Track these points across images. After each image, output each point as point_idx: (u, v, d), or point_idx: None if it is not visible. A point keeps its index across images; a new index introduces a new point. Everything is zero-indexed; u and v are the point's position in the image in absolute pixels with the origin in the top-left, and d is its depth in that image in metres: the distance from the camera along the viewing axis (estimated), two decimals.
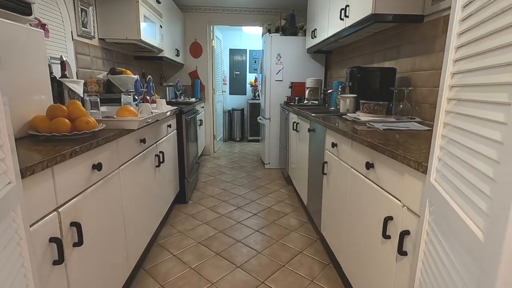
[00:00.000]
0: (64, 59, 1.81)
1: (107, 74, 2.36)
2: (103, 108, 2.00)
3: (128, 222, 1.59)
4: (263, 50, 4.24)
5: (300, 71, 3.99)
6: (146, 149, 1.86)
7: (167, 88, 3.66)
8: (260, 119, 4.46)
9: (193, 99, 4.04)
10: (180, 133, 2.79)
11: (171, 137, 2.58)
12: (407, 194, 1.01)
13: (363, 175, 1.38)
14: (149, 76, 2.24)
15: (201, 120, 4.25)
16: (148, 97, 2.27)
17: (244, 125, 6.45)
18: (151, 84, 2.24)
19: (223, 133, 6.15)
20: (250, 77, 6.50)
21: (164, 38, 3.45)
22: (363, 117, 1.89)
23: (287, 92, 4.00)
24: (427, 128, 1.58)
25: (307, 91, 3.55)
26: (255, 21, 4.67)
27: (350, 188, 1.54)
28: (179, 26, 4.32)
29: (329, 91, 2.91)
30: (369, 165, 1.28)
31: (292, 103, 3.73)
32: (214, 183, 3.60)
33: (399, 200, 1.06)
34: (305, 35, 3.93)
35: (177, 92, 3.85)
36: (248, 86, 6.53)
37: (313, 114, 2.39)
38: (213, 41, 4.87)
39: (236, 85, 6.54)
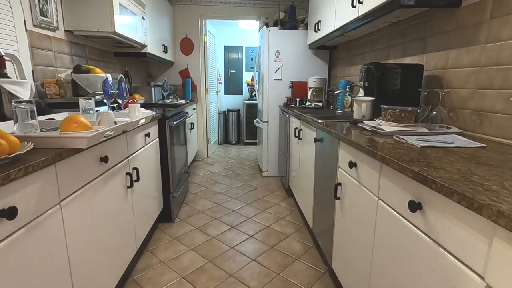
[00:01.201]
0: (3, 54, 1.41)
1: (71, 73, 1.95)
2: (59, 117, 1.60)
3: (79, 269, 1.18)
4: (260, 47, 3.84)
5: (301, 69, 3.59)
6: (110, 168, 1.46)
7: (153, 88, 3.25)
8: (257, 122, 4.06)
9: (183, 101, 3.64)
10: (163, 142, 2.39)
11: (151, 148, 2.18)
12: (498, 269, 0.62)
13: (402, 216, 0.99)
14: (121, 75, 1.84)
15: (192, 124, 3.85)
16: (120, 101, 1.86)
17: (241, 127, 6.05)
18: (123, 85, 1.83)
19: (218, 136, 5.75)
20: (247, 76, 6.09)
21: (148, 32, 3.04)
22: (387, 126, 1.49)
23: (287, 93, 3.60)
24: (479, 144, 1.19)
25: (309, 92, 3.16)
26: (251, 14, 4.26)
27: (379, 227, 1.14)
28: (167, 19, 3.90)
29: (336, 92, 2.52)
30: (414, 205, 0.88)
31: (293, 105, 3.33)
32: (206, 195, 3.20)
33: (480, 276, 0.66)
34: (306, 29, 3.53)
35: (164, 93, 3.44)
36: (244, 85, 6.12)
37: (320, 121, 2.00)
38: (205, 37, 4.46)
39: (232, 85, 6.13)
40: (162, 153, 2.40)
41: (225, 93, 6.16)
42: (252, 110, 5.73)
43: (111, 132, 1.31)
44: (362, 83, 1.94)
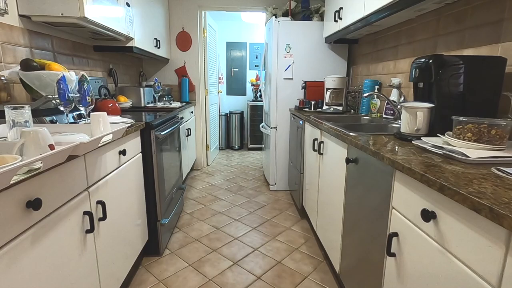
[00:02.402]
0: None
1: (19, 69, 1.45)
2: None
3: None
4: (266, 42, 3.33)
5: (316, 66, 3.08)
6: (49, 215, 0.96)
7: (141, 90, 2.76)
8: (263, 127, 3.56)
9: (177, 104, 3.14)
10: (148, 158, 1.89)
11: (130, 167, 1.68)
12: None
13: None
14: (82, 73, 1.34)
15: (189, 130, 3.35)
16: (82, 108, 1.37)
17: (244, 131, 5.54)
18: (85, 87, 1.33)
19: (219, 140, 5.25)
20: (251, 75, 5.59)
21: (135, 23, 2.55)
22: (470, 150, 0.98)
23: (299, 94, 3.09)
24: None
25: (327, 93, 2.65)
26: (256, 5, 3.75)
27: None
28: (161, 10, 3.41)
29: (365, 94, 2.02)
30: None
31: (307, 109, 2.82)
32: (204, 215, 2.71)
33: None
34: (322, 20, 3.02)
35: (155, 95, 2.94)
36: (248, 85, 5.62)
37: (351, 133, 1.49)
38: (205, 31, 3.96)
39: (235, 84, 5.62)
40: (147, 172, 1.90)
41: (227, 94, 5.66)
42: (256, 112, 5.22)
43: (39, 164, 0.81)
44: (419, 84, 1.43)
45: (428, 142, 1.16)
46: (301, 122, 2.56)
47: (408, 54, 2.07)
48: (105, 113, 1.25)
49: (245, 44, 5.49)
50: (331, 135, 1.79)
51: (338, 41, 2.91)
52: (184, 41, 3.82)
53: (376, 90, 2.32)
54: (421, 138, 1.22)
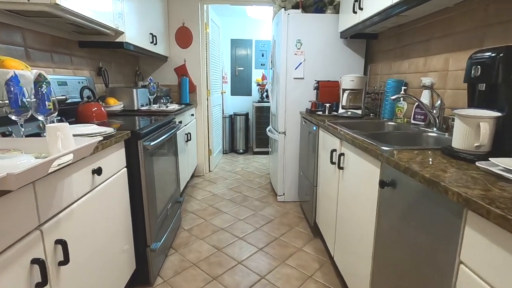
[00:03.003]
0: None
1: None
2: None
3: None
4: (274, 39, 3.01)
5: (330, 64, 2.75)
6: None
7: (134, 91, 2.46)
8: (270, 131, 3.24)
9: (175, 106, 2.83)
10: (135, 173, 1.59)
11: (109, 187, 1.38)
12: None
13: None
14: (39, 71, 1.04)
15: (189, 134, 3.05)
16: (40, 117, 1.06)
17: (249, 133, 5.23)
18: (43, 90, 1.03)
19: (222, 144, 4.94)
20: (257, 74, 5.27)
21: (127, 16, 2.25)
22: None
23: (311, 95, 2.77)
24: None
25: (344, 95, 2.32)
26: None
27: None
28: (158, 3, 3.11)
29: (393, 96, 1.69)
30: None
31: (320, 112, 2.50)
32: (204, 232, 2.40)
33: None
34: (336, 12, 2.70)
35: (150, 97, 2.64)
36: (254, 85, 5.31)
37: (385, 147, 1.18)
38: (207, 27, 3.65)
39: (239, 84, 5.31)
40: (134, 189, 1.60)
41: (232, 94, 5.35)
42: (262, 114, 4.91)
43: None
44: (482, 86, 1.10)
45: (500, 164, 0.84)
46: (314, 128, 2.24)
47: (443, 49, 1.74)
48: (66, 124, 0.94)
49: (251, 41, 5.18)
50: (355, 147, 1.47)
51: (355, 36, 2.59)
52: (184, 37, 3.52)
53: (402, 92, 1.99)
54: (489, 158, 0.90)
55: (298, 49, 2.69)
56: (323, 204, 2.07)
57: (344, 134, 1.57)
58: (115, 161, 1.42)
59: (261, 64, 5.25)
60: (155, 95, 2.63)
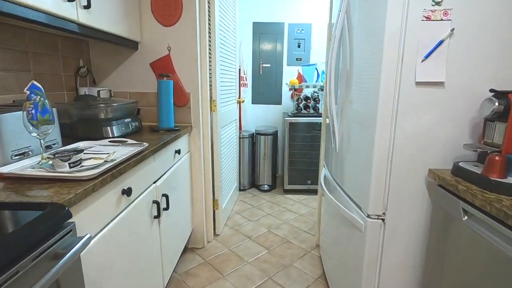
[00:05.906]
0: None
1: None
2: None
3: None
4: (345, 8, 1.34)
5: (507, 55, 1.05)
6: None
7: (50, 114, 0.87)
8: (326, 185, 1.57)
9: (131, 150, 1.21)
10: None
11: None
12: None
13: None
14: None
15: (166, 198, 1.44)
16: None
17: (278, 160, 3.58)
18: None
19: (239, 177, 3.30)
20: (290, 74, 3.60)
21: None
22: None
23: (464, 129, 1.07)
24: None
25: None
26: None
27: None
28: None
29: None
30: None
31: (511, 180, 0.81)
32: None
33: None
34: None
35: (33, 131, 1.01)
36: (285, 88, 3.64)
37: None
38: None
39: (264, 88, 3.66)
40: None
41: (253, 103, 3.71)
42: (299, 133, 3.24)
43: None
44: None
45: None
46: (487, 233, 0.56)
47: None
48: None
49: (282, 25, 3.51)
50: None
51: None
52: (166, 6, 1.91)
53: None
54: None
55: (435, 5, 1.01)
56: None
57: None
58: None
59: (297, 59, 3.57)
60: (40, 130, 0.99)
